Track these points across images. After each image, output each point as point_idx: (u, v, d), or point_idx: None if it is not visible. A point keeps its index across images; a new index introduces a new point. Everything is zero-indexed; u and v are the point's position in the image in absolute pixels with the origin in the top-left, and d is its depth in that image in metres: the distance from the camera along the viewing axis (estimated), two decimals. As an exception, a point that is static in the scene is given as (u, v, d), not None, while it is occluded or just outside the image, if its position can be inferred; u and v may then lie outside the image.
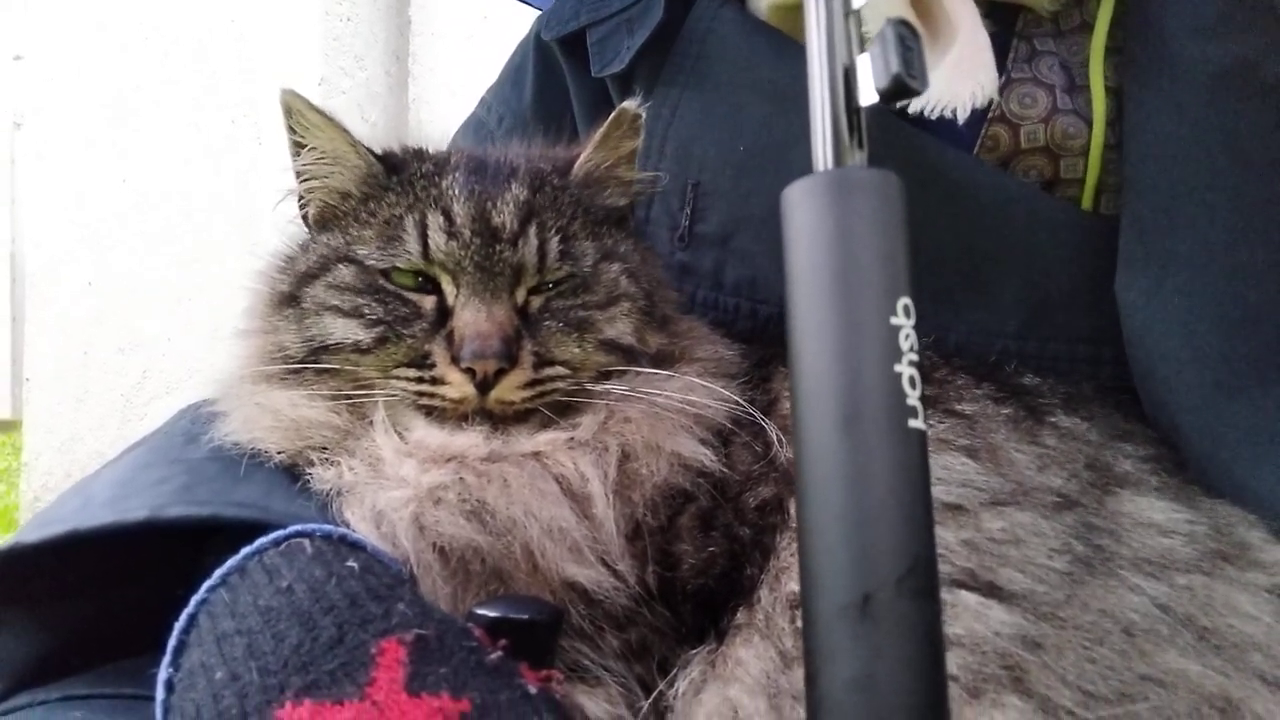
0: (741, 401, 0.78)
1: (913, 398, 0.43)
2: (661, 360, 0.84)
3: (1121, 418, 0.86)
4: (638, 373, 0.80)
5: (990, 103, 0.95)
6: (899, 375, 0.43)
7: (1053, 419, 0.80)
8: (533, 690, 0.53)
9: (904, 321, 0.44)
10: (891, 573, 0.41)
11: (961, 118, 0.93)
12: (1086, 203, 0.97)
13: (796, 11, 1.06)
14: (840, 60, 0.49)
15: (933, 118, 0.93)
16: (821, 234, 0.46)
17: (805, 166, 0.48)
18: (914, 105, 0.93)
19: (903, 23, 0.46)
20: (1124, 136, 0.93)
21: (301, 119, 0.82)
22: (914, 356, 0.44)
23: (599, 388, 0.78)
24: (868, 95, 0.48)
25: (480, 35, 2.55)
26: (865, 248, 0.45)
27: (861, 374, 0.44)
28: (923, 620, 0.41)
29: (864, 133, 0.48)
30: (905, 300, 0.45)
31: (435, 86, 2.62)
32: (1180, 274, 0.86)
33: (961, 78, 0.93)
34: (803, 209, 0.47)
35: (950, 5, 0.94)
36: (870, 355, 0.44)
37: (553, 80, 1.23)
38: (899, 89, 0.46)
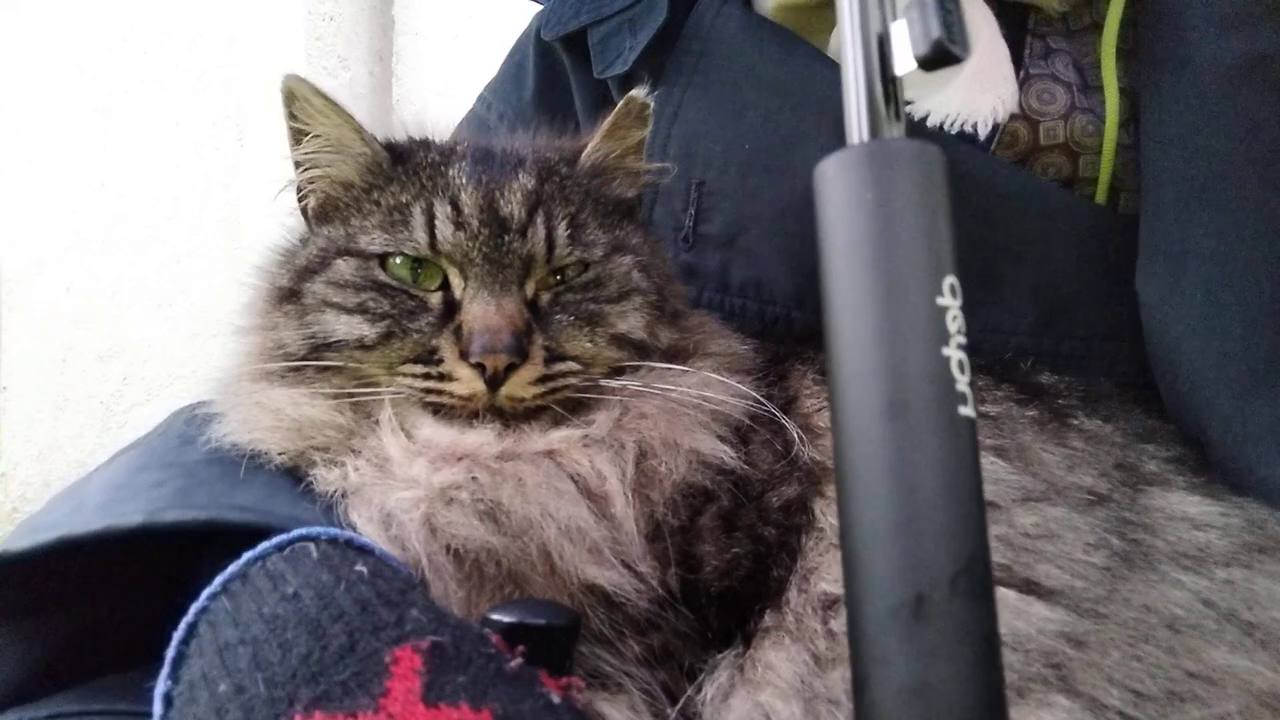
0: (759, 398, 0.76)
1: (962, 383, 0.41)
2: (674, 355, 0.82)
3: (1142, 414, 0.85)
4: (651, 368, 0.78)
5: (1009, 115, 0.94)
6: (947, 359, 0.41)
7: (1075, 421, 0.79)
8: (556, 699, 0.51)
9: (951, 302, 0.42)
10: (945, 571, 0.38)
11: (983, 132, 0.93)
12: (1101, 201, 0.96)
13: (803, 9, 1.05)
14: (874, 28, 0.46)
15: (953, 132, 0.92)
16: (860, 210, 0.43)
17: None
18: (933, 119, 0.93)
19: None
20: (1141, 132, 0.93)
21: (306, 105, 0.80)
22: (962, 339, 0.41)
23: (613, 383, 0.75)
24: (904, 63, 0.45)
25: (466, 35, 2.52)
26: (907, 223, 0.43)
27: (907, 359, 0.41)
28: (979, 621, 0.39)
29: (900, 103, 0.46)
30: (951, 279, 0.42)
31: (420, 87, 2.59)
32: (1200, 268, 0.85)
33: (981, 91, 0.92)
34: (839, 184, 0.44)
35: (969, 14, 0.93)
36: (916, 338, 0.41)
37: (554, 77, 1.22)
38: (941, 55, 0.44)
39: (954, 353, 0.41)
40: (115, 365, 2.77)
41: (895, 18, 0.46)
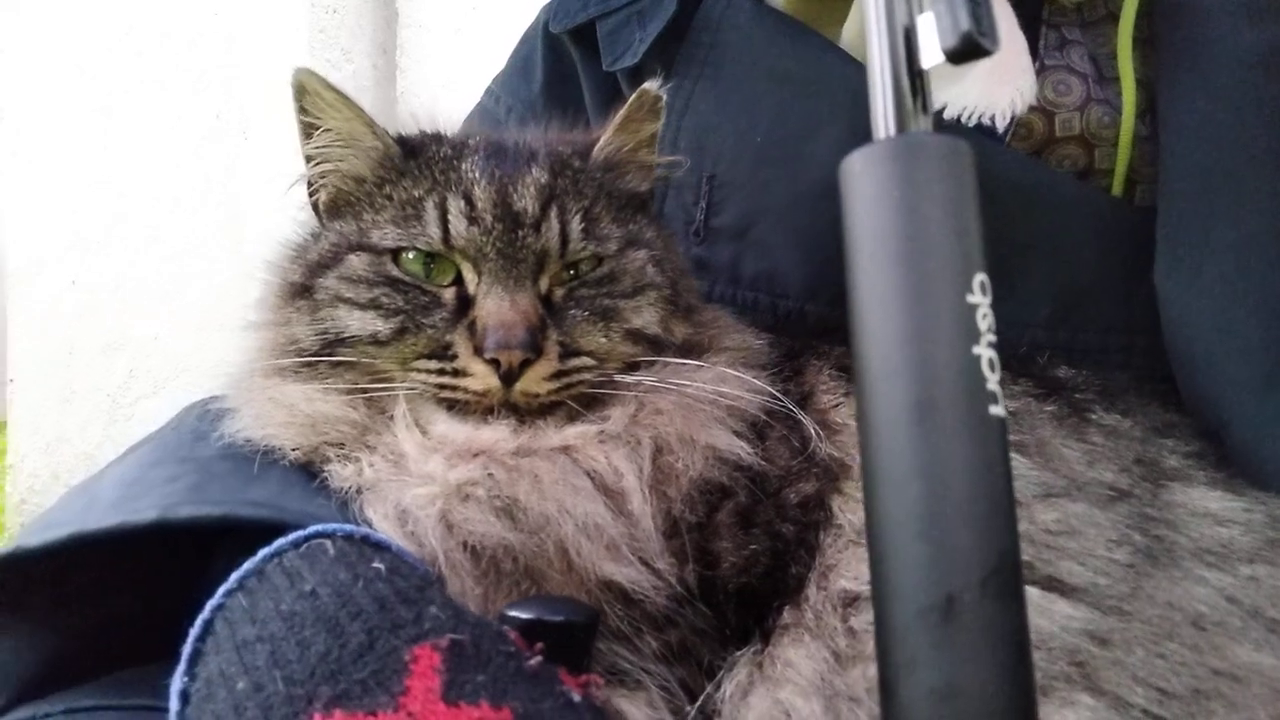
0: (775, 393, 0.75)
1: (992, 382, 0.40)
2: (688, 351, 0.81)
3: (1160, 408, 0.84)
4: (666, 363, 0.77)
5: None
6: (978, 358, 0.40)
7: (1094, 415, 0.78)
8: (576, 697, 0.50)
9: (980, 299, 0.41)
10: (975, 572, 0.38)
11: (1001, 125, 0.92)
12: (1118, 193, 0.96)
13: (815, 0, 1.04)
14: (900, 20, 0.45)
15: (970, 124, 0.91)
16: (888, 205, 0.42)
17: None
18: (950, 111, 0.92)
19: None
20: (1159, 124, 0.92)
21: (317, 98, 0.79)
22: (992, 337, 0.41)
23: (628, 379, 0.75)
24: (931, 56, 0.45)
25: (469, 27, 2.50)
26: (936, 220, 0.42)
27: (936, 357, 0.40)
28: (1009, 623, 0.38)
29: (927, 97, 0.45)
30: (981, 276, 0.41)
31: (424, 80, 2.57)
32: (1220, 262, 0.84)
33: (1000, 83, 0.91)
34: (866, 179, 0.43)
35: None
36: (946, 336, 0.40)
37: (562, 70, 1.20)
38: (970, 48, 0.43)
39: (984, 351, 0.40)
40: (121, 358, 2.77)
41: (922, 10, 0.46)
